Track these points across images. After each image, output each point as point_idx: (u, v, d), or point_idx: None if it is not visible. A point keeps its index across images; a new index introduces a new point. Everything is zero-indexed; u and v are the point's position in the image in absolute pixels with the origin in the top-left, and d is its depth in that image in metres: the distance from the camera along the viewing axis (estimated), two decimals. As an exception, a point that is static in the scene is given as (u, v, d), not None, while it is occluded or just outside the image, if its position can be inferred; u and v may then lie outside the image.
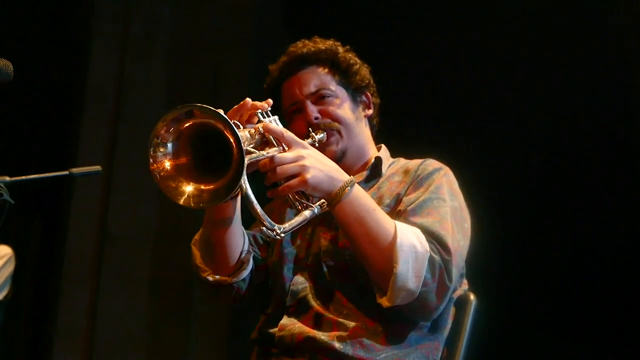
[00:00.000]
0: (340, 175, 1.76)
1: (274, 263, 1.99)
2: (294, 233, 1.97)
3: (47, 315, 4.87)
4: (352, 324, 1.78)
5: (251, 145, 1.68)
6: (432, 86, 4.39)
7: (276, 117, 1.81)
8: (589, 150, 4.16)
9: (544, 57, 4.30)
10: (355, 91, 2.10)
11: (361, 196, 1.77)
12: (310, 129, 1.99)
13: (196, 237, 1.97)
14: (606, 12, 4.08)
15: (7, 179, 1.84)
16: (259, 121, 1.76)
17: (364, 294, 1.79)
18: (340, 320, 1.79)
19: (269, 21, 5.16)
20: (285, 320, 1.84)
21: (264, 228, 1.65)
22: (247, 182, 1.59)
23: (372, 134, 2.17)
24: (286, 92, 2.09)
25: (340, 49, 2.11)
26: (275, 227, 1.64)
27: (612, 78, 4.07)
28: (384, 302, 1.72)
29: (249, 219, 1.84)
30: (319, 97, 2.04)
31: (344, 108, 2.05)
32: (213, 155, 1.57)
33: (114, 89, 4.88)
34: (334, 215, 1.78)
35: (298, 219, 1.72)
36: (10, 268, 3.10)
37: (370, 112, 2.14)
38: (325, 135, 2.00)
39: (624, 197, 4.08)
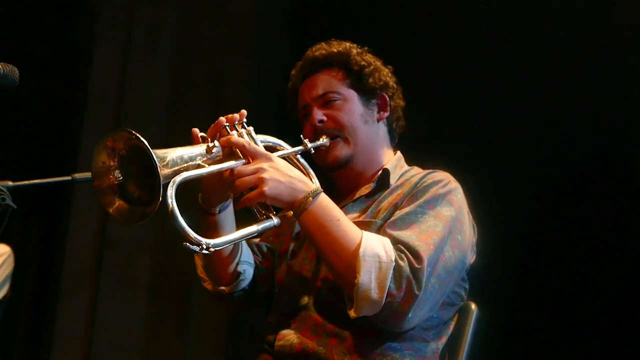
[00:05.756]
0: (304, 186, 1.74)
1: (277, 273, 1.99)
2: (299, 245, 1.98)
3: (46, 320, 4.86)
4: (350, 335, 1.76)
5: (217, 159, 1.68)
6: (435, 92, 4.39)
7: (251, 128, 1.80)
8: (590, 161, 4.16)
9: (547, 65, 4.31)
10: (368, 94, 2.04)
11: (325, 206, 1.74)
12: (302, 136, 1.97)
13: None
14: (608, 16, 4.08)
15: (10, 183, 1.84)
16: (229, 134, 1.74)
17: None
18: (338, 331, 1.77)
19: (272, 26, 5.17)
20: (285, 330, 1.84)
21: (187, 244, 1.57)
22: (172, 198, 1.54)
23: (393, 137, 2.11)
24: (299, 96, 2.08)
25: (354, 51, 2.06)
26: (203, 242, 1.58)
27: (615, 87, 4.07)
28: (351, 313, 1.68)
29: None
30: (326, 101, 2.01)
31: (352, 112, 2.00)
32: (146, 175, 1.58)
33: (116, 94, 4.89)
34: (300, 225, 1.76)
35: (239, 233, 1.70)
36: (9, 267, 3.07)
37: (386, 114, 2.07)
38: (329, 141, 1.97)
39: (626, 207, 4.08)
